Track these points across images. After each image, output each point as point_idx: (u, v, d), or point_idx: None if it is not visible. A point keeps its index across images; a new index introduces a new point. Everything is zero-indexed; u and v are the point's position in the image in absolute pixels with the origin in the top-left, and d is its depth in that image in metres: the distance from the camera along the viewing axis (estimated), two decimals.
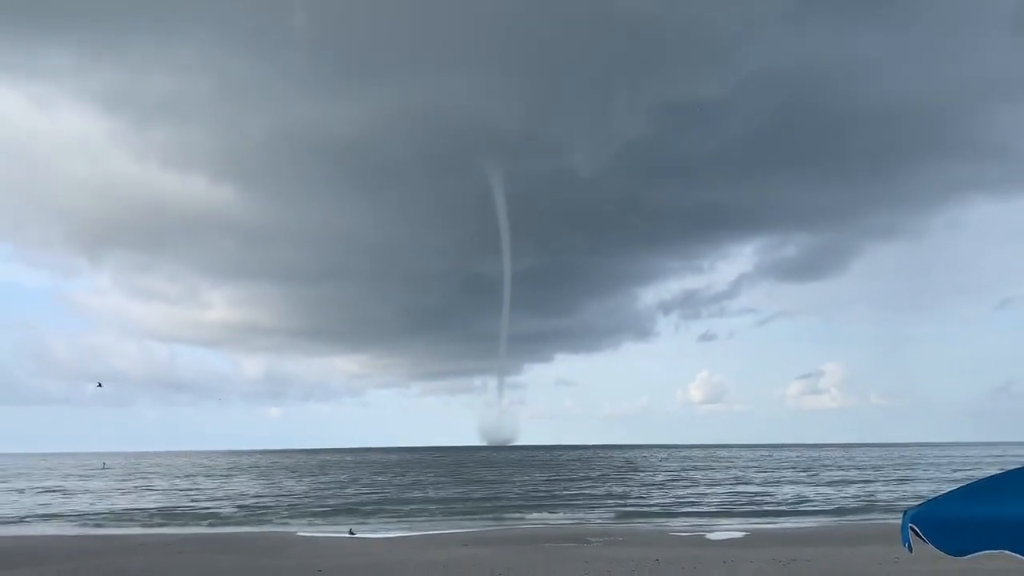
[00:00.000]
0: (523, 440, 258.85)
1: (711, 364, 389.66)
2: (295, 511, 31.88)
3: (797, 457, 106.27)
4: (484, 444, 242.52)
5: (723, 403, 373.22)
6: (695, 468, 69.88)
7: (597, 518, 28.05)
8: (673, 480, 50.98)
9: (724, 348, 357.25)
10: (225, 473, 73.23)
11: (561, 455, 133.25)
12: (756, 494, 38.24)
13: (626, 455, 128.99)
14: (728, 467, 71.76)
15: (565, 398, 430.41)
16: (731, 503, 33.50)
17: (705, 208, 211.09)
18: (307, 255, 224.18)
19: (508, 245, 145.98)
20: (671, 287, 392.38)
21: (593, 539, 20.38)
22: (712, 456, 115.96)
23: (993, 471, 8.51)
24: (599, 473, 61.40)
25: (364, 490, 44.86)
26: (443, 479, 55.33)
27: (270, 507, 33.87)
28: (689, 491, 40.69)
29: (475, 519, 28.16)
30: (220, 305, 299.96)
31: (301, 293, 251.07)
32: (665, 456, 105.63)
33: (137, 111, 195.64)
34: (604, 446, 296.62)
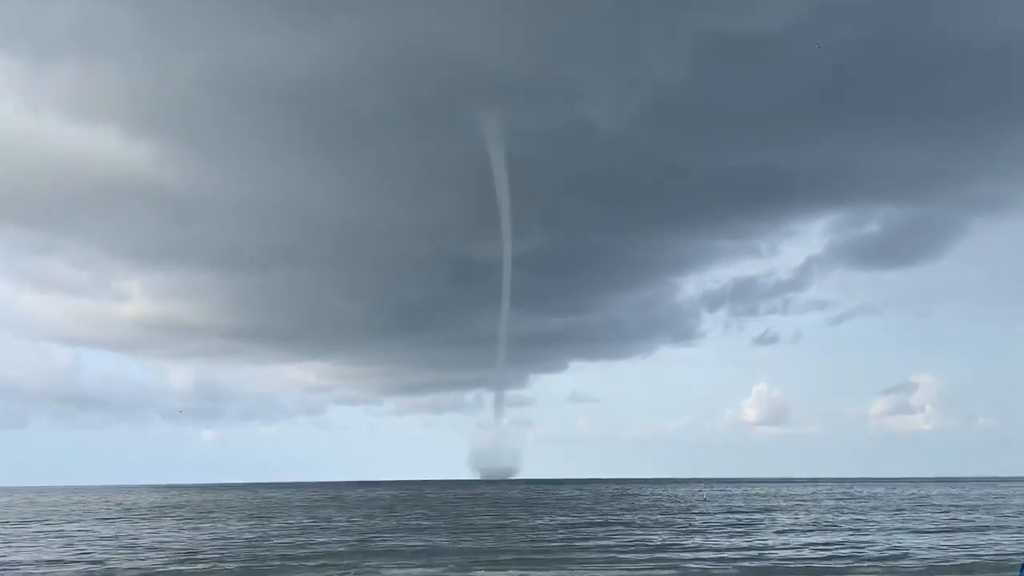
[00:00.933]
0: (527, 472, 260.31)
1: (771, 374, 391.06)
2: (236, 565, 31.68)
3: (885, 495, 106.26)
4: (478, 477, 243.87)
5: (786, 425, 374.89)
6: (752, 509, 69.80)
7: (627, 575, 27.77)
8: (724, 525, 50.81)
9: (788, 354, 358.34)
10: (146, 515, 73.36)
11: (577, 492, 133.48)
12: (833, 544, 37.97)
13: (662, 492, 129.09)
14: (795, 507, 71.66)
15: (582, 418, 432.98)
16: (800, 556, 33.23)
17: (763, 173, 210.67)
18: (251, 233, 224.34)
19: (509, 221, 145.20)
20: (719, 275, 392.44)
21: None
22: (774, 493, 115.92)
23: None
24: (626, 516, 61.27)
25: (324, 537, 44.73)
26: (426, 523, 55.27)
27: (204, 559, 33.72)
28: (746, 540, 40.46)
29: None
30: (139, 297, 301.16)
31: (243, 282, 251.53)
32: (704, 495, 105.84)
33: (33, 47, 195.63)
34: (632, 480, 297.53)
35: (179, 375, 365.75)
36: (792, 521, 54.41)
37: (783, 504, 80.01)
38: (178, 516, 69.80)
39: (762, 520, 55.46)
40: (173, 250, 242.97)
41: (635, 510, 69.73)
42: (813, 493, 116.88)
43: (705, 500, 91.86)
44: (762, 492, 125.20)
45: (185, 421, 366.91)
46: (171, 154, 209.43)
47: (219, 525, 56.57)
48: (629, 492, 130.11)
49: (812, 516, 59.85)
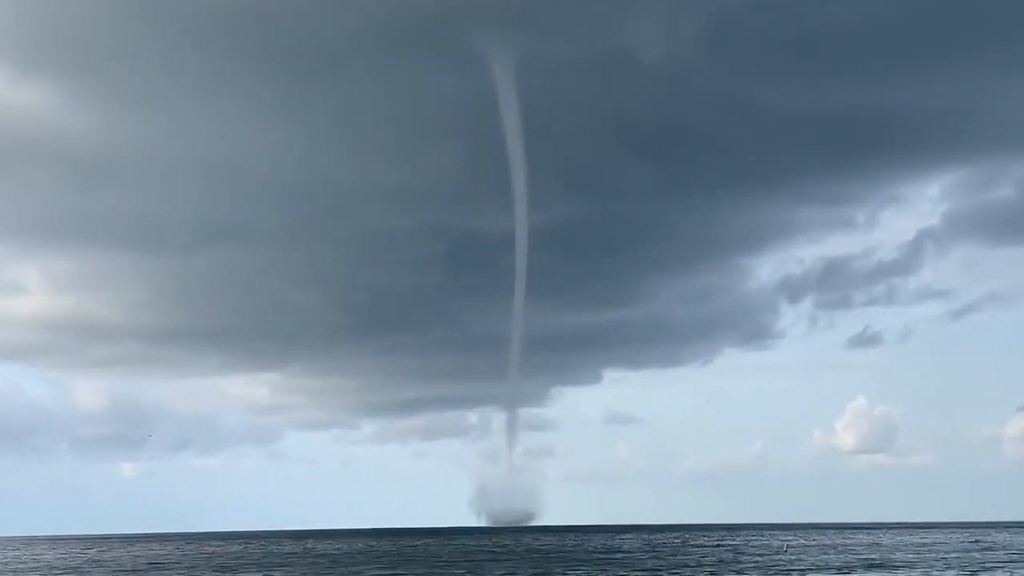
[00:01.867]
0: (549, 516, 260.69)
1: (872, 386, 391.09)
2: None
3: None
4: (485, 524, 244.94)
5: (892, 453, 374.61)
6: (853, 564, 69.75)
7: None
8: None
9: (893, 359, 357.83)
10: None
11: (619, 543, 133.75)
12: None
13: (731, 542, 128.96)
14: (911, 562, 71.58)
15: (621, 445, 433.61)
16: None
17: (858, 118, 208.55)
18: (181, 202, 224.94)
19: (524, 184, 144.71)
20: (802, 254, 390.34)
21: None
22: (879, 543, 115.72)
23: None
24: (686, 575, 61.39)
25: None
26: None
27: None
28: None
29: None
30: (35, 288, 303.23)
31: (171, 267, 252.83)
32: (784, 546, 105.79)
33: None
34: (688, 527, 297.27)
35: (89, 391, 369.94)
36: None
37: (893, 557, 79.93)
38: None
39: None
40: (80, 226, 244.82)
41: (699, 567, 69.89)
42: (932, 543, 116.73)
43: (786, 551, 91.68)
44: (863, 541, 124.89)
45: (101, 453, 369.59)
46: (75, 98, 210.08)
47: None
48: (688, 543, 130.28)
49: (935, 574, 59.78)
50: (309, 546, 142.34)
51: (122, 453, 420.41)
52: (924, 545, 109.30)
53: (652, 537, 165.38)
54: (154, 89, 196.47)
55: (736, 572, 63.46)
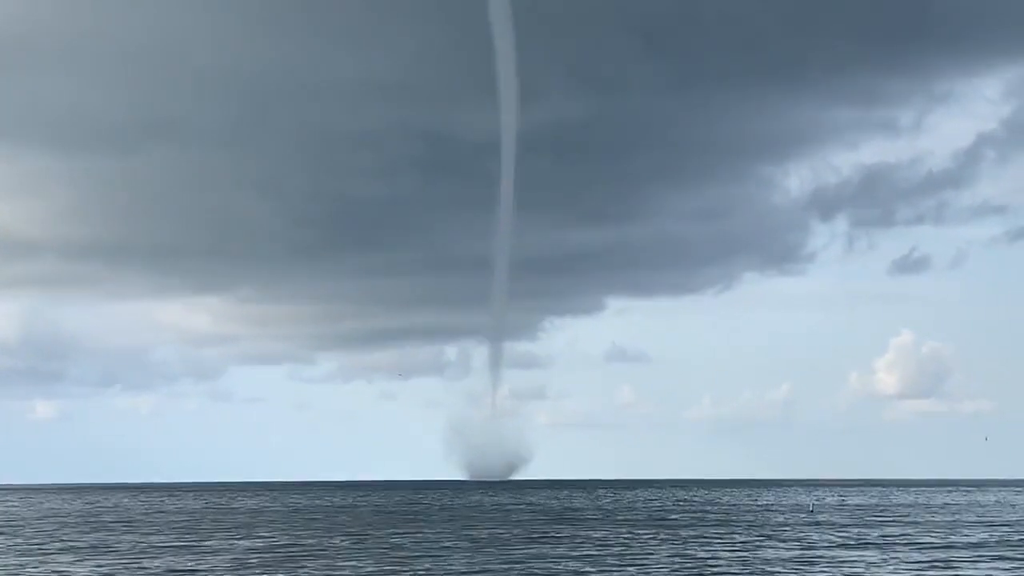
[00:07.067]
0: (539, 470, 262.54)
1: (919, 319, 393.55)
2: None
3: None
4: (463, 477, 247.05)
5: (942, 397, 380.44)
6: (890, 525, 70.29)
7: None
8: (855, 548, 51.49)
9: (944, 286, 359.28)
10: None
11: (619, 502, 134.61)
12: None
13: (760, 501, 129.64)
14: (973, 524, 72.21)
15: (625, 386, 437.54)
16: None
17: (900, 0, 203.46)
18: (108, 93, 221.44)
19: (513, 76, 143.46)
20: (837, 163, 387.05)
21: None
22: (928, 504, 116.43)
23: None
24: (703, 538, 61.97)
25: None
26: (390, 556, 55.43)
27: None
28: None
29: None
30: None
31: (96, 171, 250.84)
32: (811, 505, 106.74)
33: None
34: (704, 482, 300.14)
35: None
36: (970, 542, 54.93)
37: (944, 518, 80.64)
38: (37, 536, 69.57)
39: (913, 541, 56.02)
40: None
41: (719, 530, 70.42)
42: (994, 503, 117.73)
43: (811, 511, 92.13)
44: (908, 501, 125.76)
45: (10, 389, 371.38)
46: None
47: (57, 558, 55.78)
48: (699, 501, 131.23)
49: (998, 535, 60.52)
50: (253, 503, 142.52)
51: (35, 389, 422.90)
52: (985, 504, 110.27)
53: (661, 494, 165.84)
54: None
55: (781, 534, 63.92)
